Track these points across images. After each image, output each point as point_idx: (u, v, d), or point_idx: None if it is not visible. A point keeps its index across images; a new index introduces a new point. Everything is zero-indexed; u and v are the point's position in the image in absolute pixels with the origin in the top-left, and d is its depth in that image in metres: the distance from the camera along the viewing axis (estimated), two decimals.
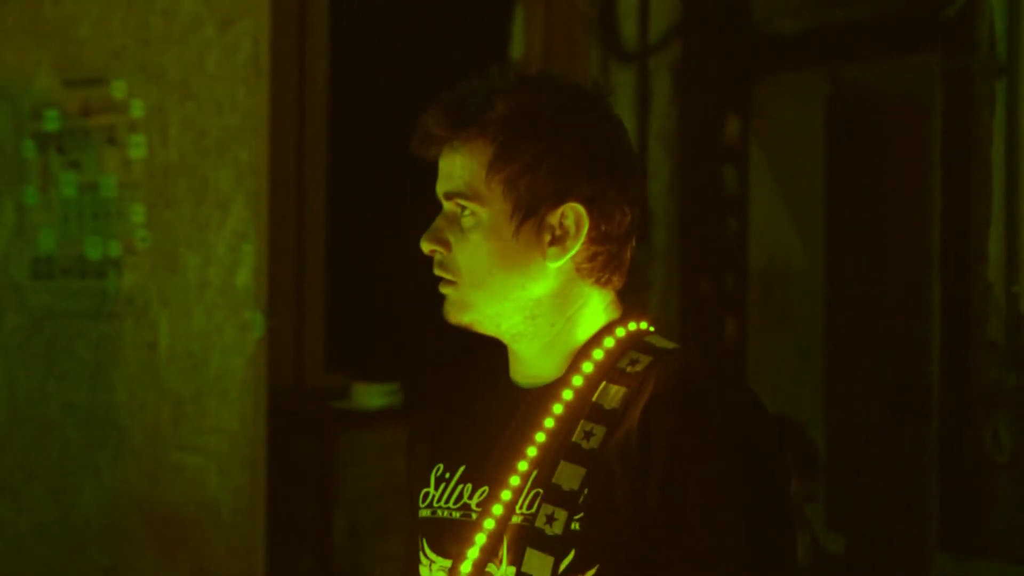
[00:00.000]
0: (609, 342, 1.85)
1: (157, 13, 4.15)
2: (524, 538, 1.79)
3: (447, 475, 1.89)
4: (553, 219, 1.83)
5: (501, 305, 1.86)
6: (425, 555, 1.88)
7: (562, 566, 1.76)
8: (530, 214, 1.83)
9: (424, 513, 1.89)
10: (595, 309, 1.87)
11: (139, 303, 4.17)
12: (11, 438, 4.38)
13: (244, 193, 4.01)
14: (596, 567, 1.76)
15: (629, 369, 1.82)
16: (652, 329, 1.88)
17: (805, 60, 4.79)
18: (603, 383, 1.83)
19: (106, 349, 4.22)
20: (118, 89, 4.22)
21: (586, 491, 1.77)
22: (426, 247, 1.93)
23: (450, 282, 1.89)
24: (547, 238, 1.83)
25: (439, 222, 1.93)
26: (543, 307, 1.85)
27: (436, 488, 1.89)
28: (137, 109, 4.18)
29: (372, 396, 4.86)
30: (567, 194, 1.83)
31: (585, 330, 1.86)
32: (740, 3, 4.93)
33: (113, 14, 4.22)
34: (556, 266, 1.83)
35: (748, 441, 1.77)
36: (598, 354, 1.85)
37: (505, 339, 1.88)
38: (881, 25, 4.54)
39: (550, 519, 1.78)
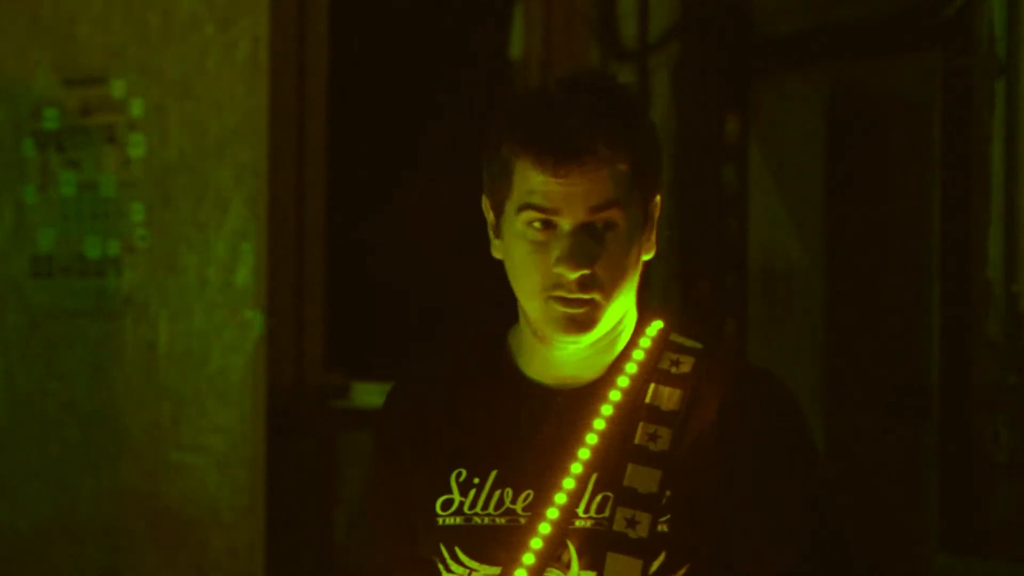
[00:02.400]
0: (645, 342, 1.87)
1: (157, 12, 4.15)
2: (603, 542, 1.77)
3: (475, 480, 1.84)
4: (655, 213, 1.87)
5: (618, 311, 1.84)
6: (459, 563, 1.83)
7: (652, 568, 1.77)
8: (651, 213, 1.85)
9: (452, 520, 1.84)
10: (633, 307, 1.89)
11: (138, 302, 4.17)
12: (10, 437, 4.38)
13: (243, 192, 4.01)
14: (686, 568, 1.78)
15: (673, 371, 1.85)
16: (669, 326, 1.90)
17: (805, 60, 4.79)
18: (651, 385, 1.84)
19: (105, 348, 4.22)
20: (117, 88, 4.22)
21: (668, 493, 1.78)
22: (579, 271, 1.77)
23: (589, 301, 1.80)
24: (652, 234, 1.87)
25: (579, 241, 1.77)
26: (628, 305, 1.86)
27: (464, 494, 1.84)
28: (136, 108, 4.18)
29: (372, 395, 4.86)
30: (659, 187, 1.87)
31: (628, 329, 1.88)
32: (740, 3, 4.93)
33: (113, 13, 4.22)
34: (646, 259, 1.87)
35: (809, 436, 1.86)
36: (638, 355, 1.86)
37: (581, 343, 1.84)
38: (881, 25, 4.53)
39: (631, 522, 1.77)
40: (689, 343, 1.89)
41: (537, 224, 1.78)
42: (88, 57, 4.26)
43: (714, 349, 1.89)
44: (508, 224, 1.82)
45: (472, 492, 1.84)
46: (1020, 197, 4.05)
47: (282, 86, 4.47)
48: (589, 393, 1.84)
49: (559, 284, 1.78)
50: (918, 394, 4.66)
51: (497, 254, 1.88)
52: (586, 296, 1.78)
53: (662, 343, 1.87)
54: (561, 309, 1.79)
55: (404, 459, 1.92)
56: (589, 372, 1.86)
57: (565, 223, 1.77)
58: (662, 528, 1.78)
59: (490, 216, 1.87)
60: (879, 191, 5.10)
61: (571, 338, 1.81)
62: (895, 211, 5.03)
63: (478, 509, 1.83)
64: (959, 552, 4.09)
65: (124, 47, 4.20)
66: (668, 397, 1.83)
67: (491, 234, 1.88)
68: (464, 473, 1.85)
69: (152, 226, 4.16)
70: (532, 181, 1.77)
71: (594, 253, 1.77)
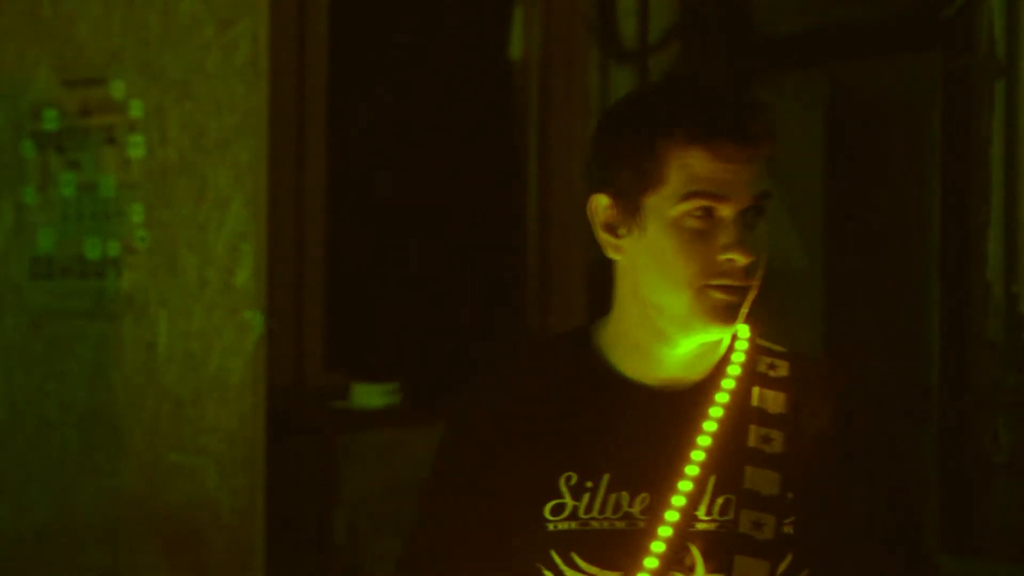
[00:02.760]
0: (742, 345, 1.88)
1: (156, 13, 4.14)
2: (729, 545, 1.78)
3: (588, 484, 1.81)
4: None
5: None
6: (575, 569, 1.80)
7: (779, 570, 1.79)
8: None
9: (566, 525, 1.81)
10: None
11: (138, 303, 4.17)
12: (10, 438, 4.38)
13: (243, 193, 4.00)
14: (808, 570, 1.80)
15: (772, 374, 1.87)
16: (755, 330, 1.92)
17: (805, 60, 4.79)
18: (755, 388, 1.85)
19: (105, 349, 4.22)
20: (117, 89, 4.22)
21: (789, 495, 1.80)
22: (751, 257, 1.77)
23: (747, 289, 1.79)
24: None
25: (746, 228, 1.77)
26: None
27: (577, 499, 1.81)
28: (136, 109, 4.18)
29: (372, 396, 4.86)
30: None
31: None
32: (740, 3, 4.93)
33: (112, 14, 4.22)
34: None
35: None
36: (738, 357, 1.87)
37: (726, 333, 1.84)
38: (881, 25, 4.53)
39: (757, 524, 1.78)
40: (776, 347, 1.91)
41: (699, 212, 1.76)
42: (88, 58, 4.26)
43: (797, 353, 1.92)
44: (655, 215, 1.78)
45: (586, 496, 1.81)
46: (1020, 197, 4.06)
47: (282, 86, 4.47)
48: (694, 395, 1.84)
49: (724, 272, 1.77)
50: (917, 395, 4.66)
51: (615, 253, 1.86)
52: (746, 284, 1.78)
53: (756, 346, 1.89)
54: (721, 297, 1.77)
55: (492, 466, 1.86)
56: (693, 373, 1.85)
57: (728, 211, 1.76)
58: (787, 530, 1.79)
59: (608, 214, 1.83)
60: (879, 191, 5.10)
61: (722, 328, 1.79)
62: (895, 211, 5.03)
63: (595, 513, 1.81)
64: (959, 552, 4.09)
65: (124, 48, 4.20)
66: (773, 400, 1.85)
67: (604, 234, 1.85)
68: (575, 477, 1.82)
69: (152, 227, 4.16)
70: (700, 168, 1.75)
71: (757, 240, 1.78)
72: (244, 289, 4.00)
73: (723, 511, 1.80)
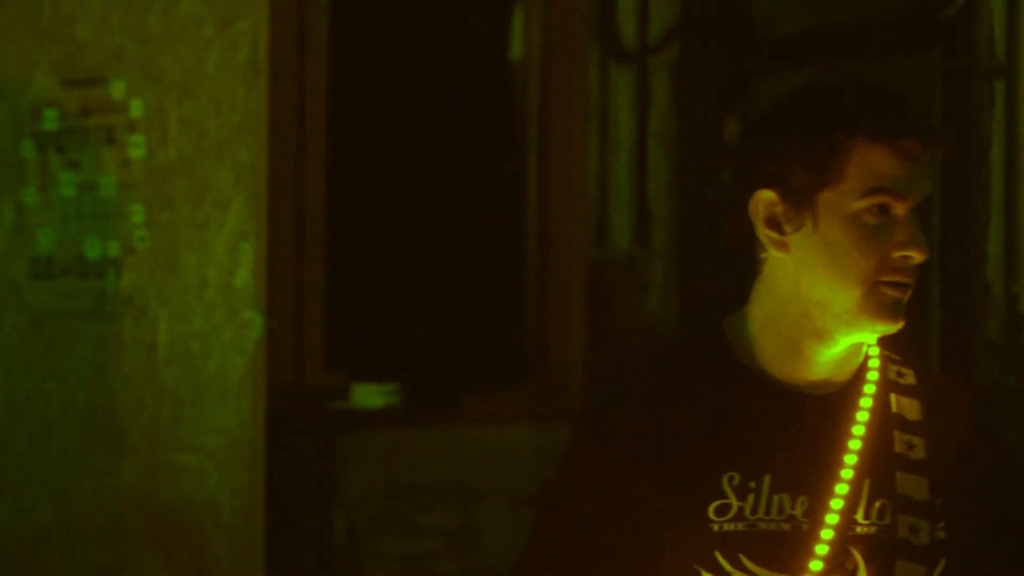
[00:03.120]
0: (874, 351, 1.89)
1: (156, 13, 4.14)
2: (889, 549, 1.79)
3: (751, 485, 1.80)
4: None
5: None
6: (743, 571, 1.79)
7: (935, 574, 1.80)
8: None
9: (732, 526, 1.79)
10: None
11: (138, 303, 4.17)
12: (10, 438, 4.38)
13: (243, 193, 4.00)
14: (959, 571, 1.82)
15: (902, 381, 1.88)
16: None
17: (804, 60, 4.79)
18: (892, 395, 1.87)
19: (105, 349, 4.21)
20: (117, 89, 4.21)
21: (938, 501, 1.81)
22: (925, 255, 1.80)
23: (911, 287, 1.82)
24: None
25: (917, 226, 1.80)
26: None
27: (742, 499, 1.79)
28: (136, 109, 4.18)
29: (372, 396, 4.86)
30: None
31: None
32: (740, 3, 4.93)
33: (112, 14, 4.22)
34: None
35: None
36: (874, 363, 1.88)
37: (862, 339, 1.85)
38: (881, 25, 4.53)
39: (913, 529, 1.79)
40: (895, 356, 1.92)
41: (876, 209, 1.77)
42: (88, 58, 4.26)
43: (916, 362, 1.93)
44: (830, 211, 1.79)
45: (751, 497, 1.80)
46: (1019, 198, 4.06)
47: (282, 86, 4.47)
48: (840, 399, 1.85)
49: (897, 269, 1.79)
50: None
51: (777, 250, 1.84)
52: (912, 281, 1.80)
53: (880, 352, 1.90)
54: (892, 294, 1.79)
55: (643, 468, 1.82)
56: (839, 376, 1.86)
57: (902, 208, 1.78)
58: (939, 535, 1.81)
59: (774, 210, 1.83)
60: None
61: (889, 325, 1.80)
62: None
63: (761, 514, 1.79)
64: None
65: (124, 48, 4.20)
66: (910, 407, 1.87)
67: (768, 230, 1.84)
68: (737, 477, 1.80)
69: (152, 227, 4.16)
70: (882, 165, 1.77)
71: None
72: (244, 289, 4.00)
73: (880, 515, 1.81)
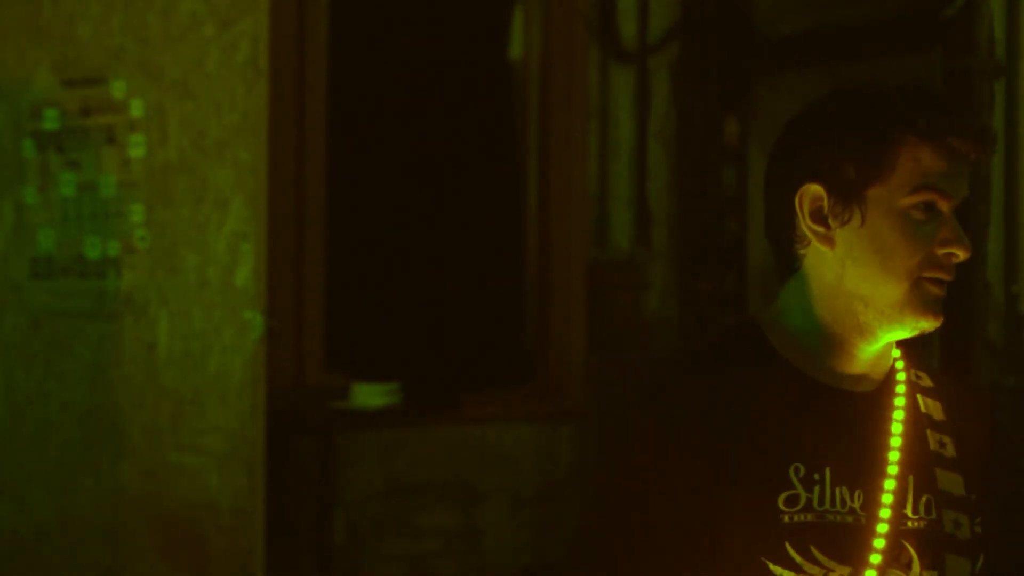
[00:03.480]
0: (897, 352, 1.93)
1: (156, 13, 4.14)
2: (939, 543, 1.82)
3: (816, 476, 1.81)
4: None
5: None
6: (814, 563, 1.79)
7: (976, 568, 1.84)
8: None
9: (803, 517, 1.79)
10: None
11: (138, 303, 4.17)
12: (10, 437, 4.38)
13: (243, 192, 4.00)
14: (993, 565, 1.86)
15: (923, 383, 1.94)
16: None
17: (805, 60, 4.79)
18: (918, 396, 1.91)
19: (105, 349, 4.21)
20: (117, 89, 4.22)
21: (973, 496, 1.86)
22: (968, 252, 1.86)
23: (946, 283, 1.87)
24: None
25: (959, 227, 1.85)
26: None
27: (809, 490, 1.81)
28: (136, 109, 4.18)
29: (371, 396, 4.86)
30: None
31: None
32: (740, 3, 4.93)
33: (112, 14, 4.22)
34: None
35: None
36: (900, 364, 1.93)
37: (903, 335, 1.89)
38: (881, 25, 4.53)
39: (956, 524, 1.84)
40: (901, 355, 1.96)
41: (921, 206, 1.82)
42: (88, 58, 4.26)
43: (927, 365, 1.99)
44: (879, 206, 1.83)
45: (816, 488, 1.81)
46: (1019, 198, 4.06)
47: (282, 86, 4.47)
48: (876, 398, 1.89)
49: (940, 266, 1.84)
50: None
51: (822, 244, 1.86)
52: (952, 278, 1.86)
53: (902, 354, 1.94)
54: (934, 291, 1.85)
55: (707, 462, 1.82)
56: (875, 373, 1.89)
57: (946, 206, 1.83)
58: (978, 529, 1.85)
59: (820, 204, 1.85)
60: None
61: (931, 321, 1.86)
62: None
63: (828, 506, 1.81)
64: None
65: (124, 48, 4.20)
66: (935, 408, 1.92)
67: (813, 224, 1.86)
68: (803, 469, 1.82)
69: (152, 226, 4.16)
70: (930, 163, 1.81)
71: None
72: (244, 289, 4.00)
73: (927, 510, 1.84)
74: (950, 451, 1.88)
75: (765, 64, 4.90)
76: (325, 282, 4.89)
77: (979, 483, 1.88)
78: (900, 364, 1.92)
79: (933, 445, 1.88)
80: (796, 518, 1.79)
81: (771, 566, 1.78)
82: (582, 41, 5.33)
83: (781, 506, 1.80)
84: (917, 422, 1.88)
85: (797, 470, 1.81)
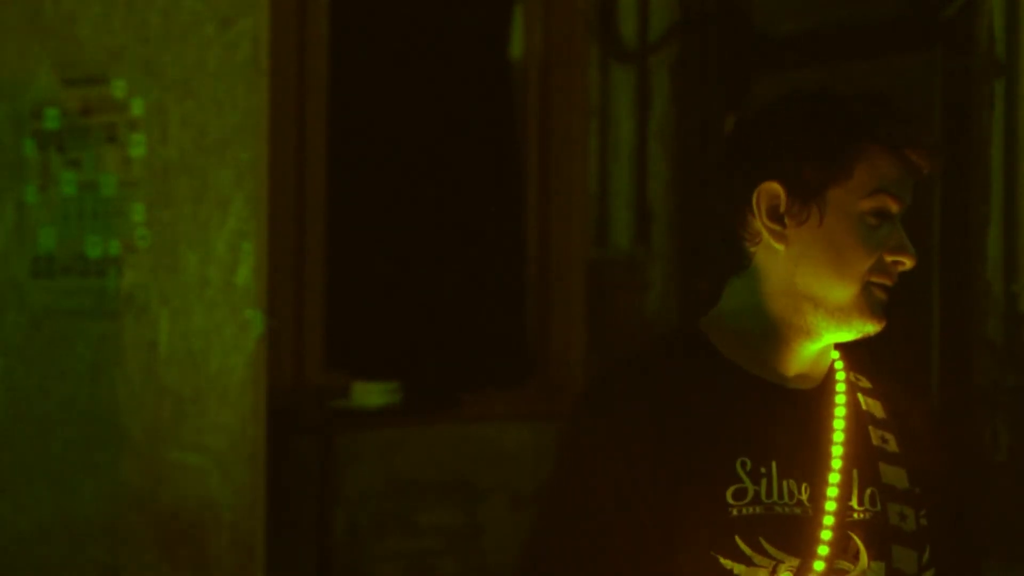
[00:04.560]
0: (835, 354, 1.97)
1: (157, 12, 4.15)
2: (885, 534, 1.86)
3: (762, 469, 1.84)
4: None
5: None
6: (763, 554, 1.80)
7: (924, 559, 1.88)
8: None
9: (751, 510, 1.82)
10: None
11: (139, 302, 4.17)
12: (11, 437, 4.38)
13: (244, 192, 4.01)
14: (939, 557, 1.90)
15: (862, 384, 1.97)
16: None
17: (804, 59, 4.79)
18: (858, 394, 1.95)
19: (106, 348, 4.22)
20: (118, 88, 4.22)
21: (917, 490, 1.90)
22: (914, 260, 1.92)
23: (891, 289, 1.91)
24: None
25: (906, 236, 1.92)
26: None
27: (756, 483, 1.83)
28: (137, 108, 4.18)
29: (372, 394, 4.86)
30: None
31: None
32: (740, 3, 4.93)
33: (113, 13, 4.22)
34: None
35: None
36: (839, 364, 1.97)
37: (846, 337, 1.92)
38: (881, 25, 4.54)
39: (902, 516, 1.87)
40: (838, 356, 1.99)
41: (876, 211, 1.87)
42: (89, 57, 4.26)
43: (870, 363, 2.01)
44: (837, 208, 1.86)
45: (764, 481, 1.84)
46: (1019, 197, 4.06)
47: (282, 86, 4.47)
48: (818, 395, 1.92)
49: (885, 271, 1.89)
50: None
51: (777, 242, 1.89)
52: (894, 286, 1.91)
53: (841, 355, 1.98)
54: (881, 296, 1.90)
55: (653, 459, 1.83)
56: (814, 372, 1.93)
57: (897, 214, 1.90)
58: (923, 522, 1.89)
59: (778, 203, 1.88)
60: None
61: (876, 324, 1.90)
62: None
63: (775, 498, 1.83)
64: None
65: (124, 47, 4.20)
66: (875, 406, 1.96)
67: (769, 222, 1.89)
68: (749, 462, 1.84)
69: (153, 226, 4.16)
70: (889, 172, 1.87)
71: None
72: (245, 288, 4.01)
73: (872, 502, 1.87)
74: (892, 446, 1.92)
75: (766, 63, 4.90)
76: (325, 281, 4.89)
77: (923, 478, 1.92)
78: (839, 364, 1.96)
79: (876, 440, 1.91)
80: (744, 511, 1.82)
81: (722, 560, 1.80)
82: (582, 40, 5.33)
83: (729, 500, 1.82)
84: (859, 418, 1.92)
85: (744, 464, 1.84)
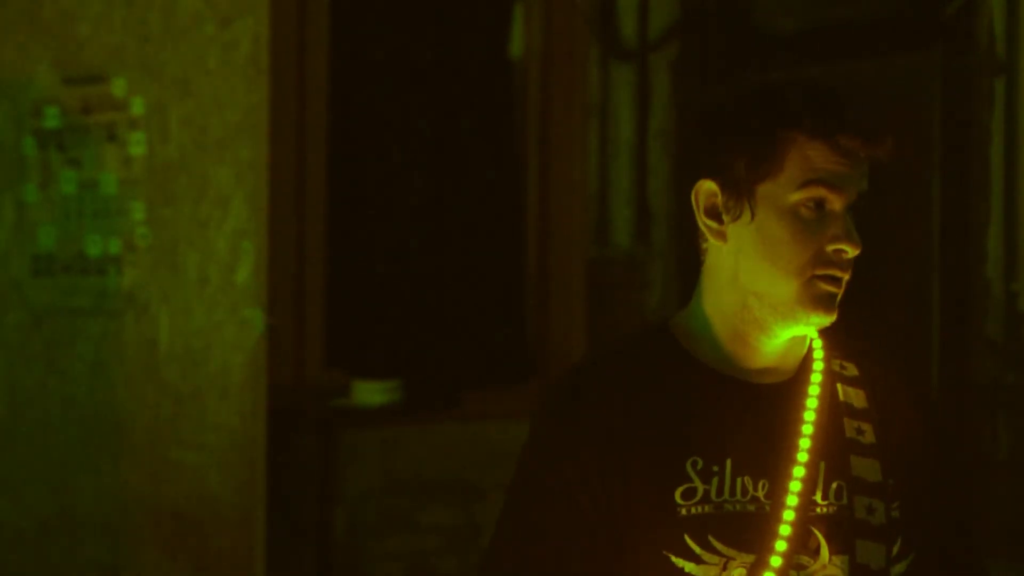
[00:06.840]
0: (818, 343, 1.96)
1: (157, 11, 4.15)
2: (849, 528, 1.85)
3: (714, 468, 1.84)
4: None
5: None
6: (712, 552, 1.82)
7: (894, 552, 1.87)
8: None
9: (700, 509, 1.82)
10: None
11: (139, 300, 4.17)
12: (11, 435, 4.38)
13: (244, 190, 4.01)
14: (914, 550, 1.89)
15: (845, 373, 1.95)
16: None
17: (805, 58, 4.79)
18: (838, 385, 1.93)
19: (106, 346, 4.22)
20: (118, 86, 4.22)
21: (890, 481, 1.88)
22: (858, 249, 1.88)
23: (843, 280, 1.89)
24: None
25: (850, 222, 1.87)
26: None
27: (707, 482, 1.83)
28: (137, 106, 4.19)
29: (372, 393, 4.87)
30: None
31: None
32: (740, 2, 4.93)
33: (113, 12, 4.22)
34: None
35: None
36: (819, 354, 1.95)
37: (800, 331, 1.90)
38: (881, 23, 4.54)
39: (870, 510, 1.86)
40: (838, 349, 1.98)
41: (812, 203, 1.84)
42: (89, 56, 4.27)
43: (862, 350, 2.00)
44: (768, 203, 1.85)
45: (715, 480, 1.84)
46: (1019, 196, 4.06)
47: (282, 85, 4.47)
48: (788, 388, 1.91)
49: (830, 262, 1.85)
50: None
51: (716, 240, 1.90)
52: (845, 275, 1.87)
53: (830, 346, 1.97)
54: (825, 288, 1.85)
55: (608, 459, 1.85)
56: (784, 366, 1.92)
57: (837, 203, 1.85)
58: (894, 514, 1.88)
59: (714, 200, 1.89)
60: (878, 191, 5.09)
61: (823, 318, 1.87)
62: (895, 210, 5.03)
63: (726, 496, 1.84)
64: None
65: (125, 46, 4.21)
66: (855, 396, 1.94)
67: (707, 219, 1.90)
68: (700, 462, 1.84)
69: (153, 224, 4.16)
70: (819, 160, 1.83)
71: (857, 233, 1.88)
72: (245, 286, 4.01)
73: (838, 496, 1.86)
74: (868, 438, 1.90)
75: (764, 62, 4.90)
76: (325, 280, 4.89)
77: (902, 469, 1.90)
78: (818, 355, 1.94)
79: (849, 432, 1.90)
80: (693, 510, 1.83)
81: (673, 559, 1.82)
82: (582, 39, 5.33)
83: (678, 500, 1.83)
84: (833, 410, 1.91)
85: (695, 463, 1.84)
